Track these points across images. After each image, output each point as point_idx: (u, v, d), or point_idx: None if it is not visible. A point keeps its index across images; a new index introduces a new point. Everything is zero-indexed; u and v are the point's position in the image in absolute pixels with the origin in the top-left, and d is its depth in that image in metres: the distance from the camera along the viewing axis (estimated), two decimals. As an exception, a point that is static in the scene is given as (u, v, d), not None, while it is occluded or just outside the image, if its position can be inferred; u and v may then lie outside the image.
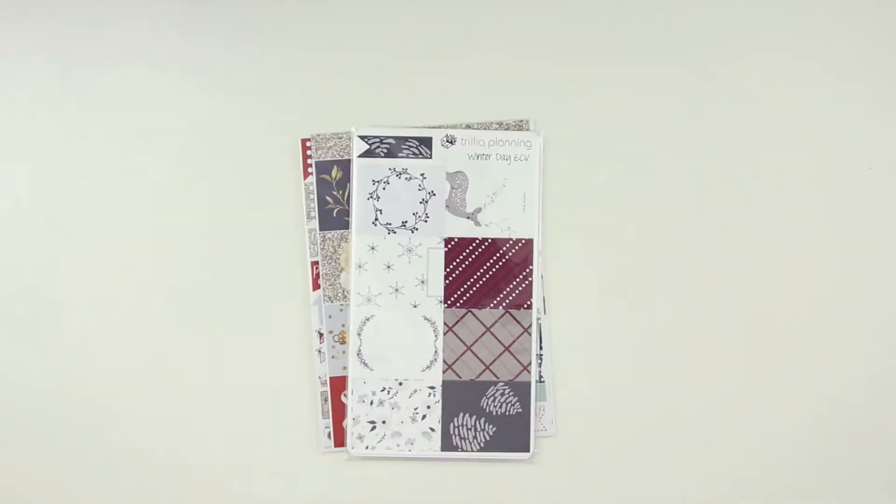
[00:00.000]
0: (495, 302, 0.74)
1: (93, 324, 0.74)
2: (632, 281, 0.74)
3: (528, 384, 0.73)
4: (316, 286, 0.74)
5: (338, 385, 0.74)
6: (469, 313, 0.74)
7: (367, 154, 0.74)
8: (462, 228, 0.74)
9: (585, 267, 0.74)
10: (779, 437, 0.74)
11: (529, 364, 0.74)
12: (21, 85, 0.75)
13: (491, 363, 0.74)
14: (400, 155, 0.74)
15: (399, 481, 0.74)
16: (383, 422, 0.73)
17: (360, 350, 0.73)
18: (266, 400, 0.74)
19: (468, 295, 0.74)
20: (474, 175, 0.74)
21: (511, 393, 0.73)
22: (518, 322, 0.74)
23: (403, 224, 0.74)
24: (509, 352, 0.74)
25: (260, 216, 0.74)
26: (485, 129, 0.74)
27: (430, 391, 0.73)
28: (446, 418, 0.73)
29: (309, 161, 0.74)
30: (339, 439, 0.74)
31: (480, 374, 0.74)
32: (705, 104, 0.75)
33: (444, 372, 0.74)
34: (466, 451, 0.73)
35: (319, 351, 0.74)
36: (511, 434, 0.73)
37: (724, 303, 0.74)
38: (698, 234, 0.74)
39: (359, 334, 0.73)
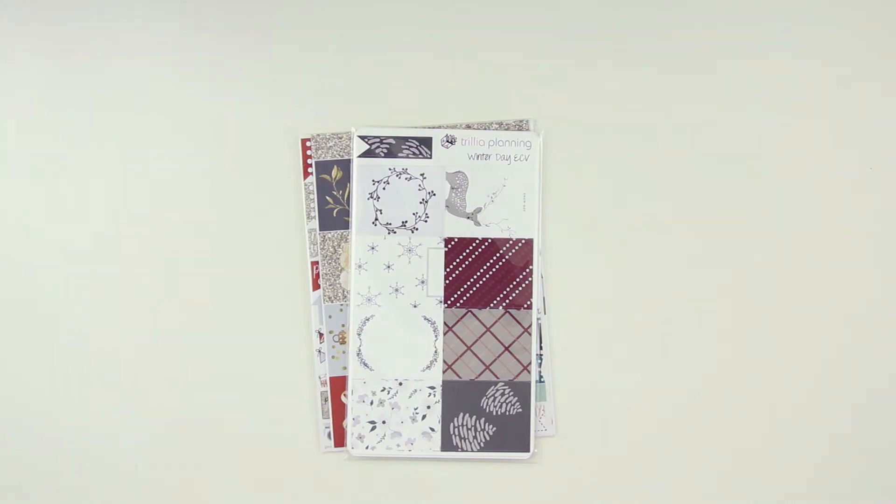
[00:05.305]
0: (495, 302, 0.74)
1: (91, 323, 0.74)
2: (632, 281, 0.74)
3: (528, 384, 0.73)
4: (316, 286, 0.74)
5: (338, 385, 0.74)
6: (469, 313, 0.74)
7: (367, 154, 0.74)
8: (462, 228, 0.74)
9: (585, 267, 0.74)
10: (780, 438, 0.74)
11: (529, 364, 0.74)
12: (20, 84, 0.75)
13: (491, 363, 0.74)
14: (400, 155, 0.74)
15: (399, 481, 0.74)
16: (383, 422, 0.73)
17: (360, 350, 0.73)
18: (266, 400, 0.74)
19: (468, 295, 0.74)
20: (474, 175, 0.74)
21: (511, 393, 0.73)
22: (518, 322, 0.74)
23: (403, 224, 0.74)
24: (509, 352, 0.74)
25: (260, 216, 0.74)
26: (485, 129, 0.74)
27: (430, 391, 0.73)
28: (446, 418, 0.73)
29: (309, 161, 0.74)
30: (339, 439, 0.74)
31: (480, 374, 0.74)
32: (705, 104, 0.75)
33: (444, 372, 0.74)
34: (466, 451, 0.73)
35: (319, 351, 0.74)
36: (511, 434, 0.73)
37: (723, 302, 0.74)
38: (698, 233, 0.74)
39: (359, 334, 0.73)
